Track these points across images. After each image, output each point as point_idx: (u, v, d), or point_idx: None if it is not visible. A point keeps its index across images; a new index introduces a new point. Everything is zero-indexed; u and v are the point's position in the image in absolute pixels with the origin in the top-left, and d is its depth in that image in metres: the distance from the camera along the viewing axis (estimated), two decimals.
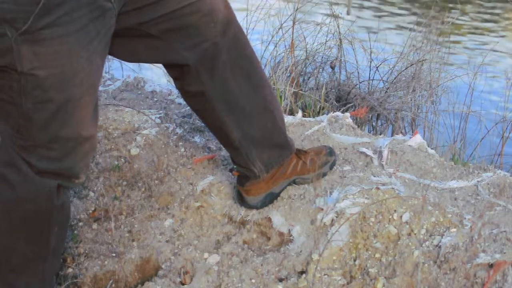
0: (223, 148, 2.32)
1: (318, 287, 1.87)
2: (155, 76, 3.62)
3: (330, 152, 2.17)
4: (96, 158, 2.37)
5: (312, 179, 2.10)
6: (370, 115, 3.43)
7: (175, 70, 1.86)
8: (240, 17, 1.87)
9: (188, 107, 2.69)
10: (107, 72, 3.35)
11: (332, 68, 3.63)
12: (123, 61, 3.03)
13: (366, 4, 7.13)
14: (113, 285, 2.07)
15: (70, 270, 2.09)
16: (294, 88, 3.26)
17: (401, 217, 1.93)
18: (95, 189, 2.30)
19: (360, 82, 3.58)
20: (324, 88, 3.34)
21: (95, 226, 2.21)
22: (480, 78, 3.54)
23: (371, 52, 3.57)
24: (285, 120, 2.28)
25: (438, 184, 2.11)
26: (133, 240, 2.15)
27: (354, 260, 1.92)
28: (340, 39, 3.57)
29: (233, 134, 1.95)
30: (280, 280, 1.92)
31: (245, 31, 2.32)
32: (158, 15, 1.69)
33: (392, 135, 2.99)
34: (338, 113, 2.61)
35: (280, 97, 3.15)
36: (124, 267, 2.08)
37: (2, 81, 1.51)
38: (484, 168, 2.23)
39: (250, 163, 2.00)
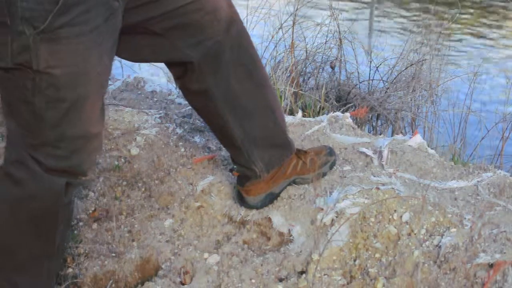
0: (223, 148, 2.32)
1: (318, 287, 1.87)
2: (155, 76, 3.62)
3: (330, 152, 2.17)
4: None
5: (312, 179, 2.10)
6: (370, 115, 3.43)
7: (178, 68, 1.86)
8: (240, 17, 1.87)
9: (188, 107, 2.69)
10: None
11: (332, 68, 3.63)
12: (123, 61, 3.03)
13: (366, 4, 7.13)
14: (113, 285, 2.07)
15: (70, 270, 2.09)
16: (294, 88, 3.26)
17: (401, 217, 1.93)
18: (95, 189, 2.31)
19: (360, 82, 3.58)
20: (324, 88, 3.33)
21: (95, 226, 2.21)
22: (480, 78, 3.54)
23: (371, 52, 3.57)
24: (285, 120, 2.28)
25: (438, 184, 2.11)
26: (133, 240, 2.15)
27: (354, 260, 1.92)
28: (340, 39, 3.57)
29: (235, 133, 1.94)
30: (280, 280, 1.92)
31: None
32: (162, 12, 1.70)
33: (392, 135, 2.99)
34: (338, 113, 2.61)
35: (280, 97, 3.15)
36: (124, 267, 2.08)
37: (16, 79, 1.52)
38: (484, 168, 2.23)
39: (251, 162, 2.00)
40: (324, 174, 2.15)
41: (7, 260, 1.74)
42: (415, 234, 1.89)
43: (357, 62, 3.61)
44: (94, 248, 2.14)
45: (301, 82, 3.54)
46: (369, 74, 3.59)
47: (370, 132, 3.37)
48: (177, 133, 2.44)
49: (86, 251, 2.14)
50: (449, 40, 4.05)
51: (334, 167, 2.19)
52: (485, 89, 3.77)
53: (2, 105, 1.61)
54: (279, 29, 3.53)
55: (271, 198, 2.10)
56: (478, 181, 2.13)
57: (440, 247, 1.83)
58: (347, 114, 2.62)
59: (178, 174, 2.28)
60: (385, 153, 2.26)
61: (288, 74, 3.33)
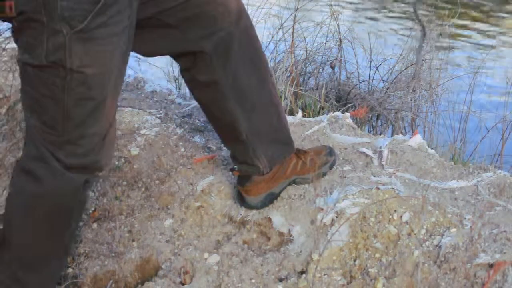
0: (223, 148, 2.32)
1: (318, 287, 1.87)
2: (155, 76, 3.62)
3: (330, 152, 2.18)
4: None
5: (312, 179, 2.10)
6: (370, 115, 3.43)
7: (188, 59, 1.88)
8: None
9: (188, 107, 2.69)
10: None
11: (332, 68, 3.63)
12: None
13: (367, 4, 7.13)
14: (113, 285, 2.07)
15: (70, 270, 2.09)
16: (294, 88, 3.26)
17: (401, 217, 1.93)
18: (95, 189, 2.31)
19: (360, 82, 3.58)
20: (324, 88, 3.33)
21: (95, 226, 2.21)
22: (480, 78, 3.54)
23: (371, 52, 3.57)
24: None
25: (438, 184, 2.11)
26: (133, 240, 2.15)
27: (354, 260, 1.92)
28: (340, 39, 3.57)
29: (241, 126, 1.95)
30: (280, 280, 1.92)
31: None
32: (177, 4, 1.74)
33: (392, 135, 3.00)
34: (338, 113, 2.61)
35: (280, 97, 3.14)
36: (124, 267, 2.08)
37: (46, 76, 1.54)
38: (484, 168, 2.23)
39: (255, 158, 2.00)
40: (324, 174, 2.15)
41: (15, 257, 1.75)
42: (415, 234, 1.89)
43: (357, 62, 3.61)
44: (94, 248, 2.14)
45: (301, 82, 3.54)
46: (369, 74, 3.59)
47: (370, 132, 3.37)
48: (177, 133, 2.44)
49: (86, 251, 2.14)
50: (449, 39, 4.05)
51: (334, 167, 2.19)
52: (485, 89, 3.77)
53: (25, 101, 1.63)
54: (279, 29, 3.53)
55: (271, 198, 2.10)
56: (478, 181, 2.13)
57: (440, 247, 1.83)
58: (347, 114, 2.62)
59: (178, 174, 2.28)
60: (385, 153, 2.26)
61: (288, 74, 3.33)
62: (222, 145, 2.36)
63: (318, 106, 3.25)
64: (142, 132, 2.43)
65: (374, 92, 3.53)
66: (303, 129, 2.47)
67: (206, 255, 2.05)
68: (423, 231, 1.89)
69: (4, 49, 2.61)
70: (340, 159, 2.27)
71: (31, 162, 1.66)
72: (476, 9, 6.95)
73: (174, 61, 3.58)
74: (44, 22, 1.46)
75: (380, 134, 3.14)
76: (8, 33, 2.63)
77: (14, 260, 1.74)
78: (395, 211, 1.95)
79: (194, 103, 2.76)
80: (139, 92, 2.88)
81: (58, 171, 1.64)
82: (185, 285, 1.99)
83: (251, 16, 3.38)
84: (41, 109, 1.59)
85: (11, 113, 2.49)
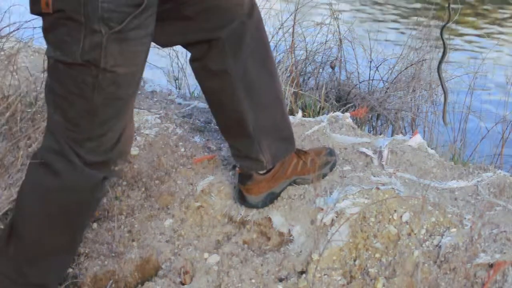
0: (223, 148, 2.32)
1: (318, 287, 1.87)
2: (155, 76, 3.62)
3: (330, 152, 2.18)
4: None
5: (312, 179, 2.10)
6: (370, 115, 3.43)
7: (201, 47, 1.89)
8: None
9: (188, 107, 2.69)
10: None
11: (332, 68, 3.63)
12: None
13: (367, 4, 7.13)
14: (113, 285, 2.07)
15: (70, 270, 2.09)
16: (294, 88, 3.26)
17: (401, 217, 1.93)
18: None
19: (360, 82, 3.58)
20: (324, 88, 3.33)
21: (95, 226, 2.21)
22: (480, 78, 3.54)
23: (371, 52, 3.57)
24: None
25: (438, 184, 2.11)
26: (133, 240, 2.15)
27: (354, 260, 1.92)
28: (340, 39, 3.57)
29: (249, 119, 1.95)
30: (280, 280, 1.92)
31: None
32: None
33: (392, 135, 2.99)
34: (338, 113, 2.61)
35: None
36: (124, 267, 2.08)
37: (77, 74, 1.55)
38: (484, 168, 2.23)
39: (260, 152, 2.00)
40: (324, 175, 2.15)
41: (24, 251, 1.74)
42: (415, 234, 1.89)
43: (357, 62, 3.61)
44: (94, 248, 2.14)
45: (301, 82, 3.54)
46: (369, 74, 3.58)
47: (370, 132, 3.37)
48: (177, 133, 2.44)
49: (86, 251, 2.14)
50: (449, 39, 4.04)
51: (334, 167, 2.19)
52: (485, 89, 3.77)
53: (49, 96, 1.64)
54: (279, 29, 3.53)
55: (272, 198, 2.10)
56: (478, 181, 2.13)
57: (440, 247, 1.83)
58: (347, 114, 2.62)
59: (178, 174, 2.28)
60: (385, 153, 2.26)
61: (288, 74, 3.33)
62: (222, 145, 2.36)
63: (318, 106, 3.25)
64: (142, 132, 2.43)
65: (374, 92, 3.53)
66: (303, 129, 2.47)
67: (206, 255, 2.05)
68: (423, 231, 1.89)
69: (1, 49, 2.59)
70: (340, 159, 2.27)
71: (51, 155, 1.67)
72: (477, 9, 6.95)
73: (176, 59, 3.56)
74: (82, 22, 1.49)
75: (380, 134, 3.14)
76: (3, 32, 2.61)
77: (21, 253, 1.73)
78: (395, 211, 1.95)
79: (194, 103, 2.76)
80: (139, 92, 2.87)
81: (78, 167, 1.65)
82: (185, 285, 1.99)
83: None
84: (66, 106, 1.61)
85: (11, 113, 2.48)
